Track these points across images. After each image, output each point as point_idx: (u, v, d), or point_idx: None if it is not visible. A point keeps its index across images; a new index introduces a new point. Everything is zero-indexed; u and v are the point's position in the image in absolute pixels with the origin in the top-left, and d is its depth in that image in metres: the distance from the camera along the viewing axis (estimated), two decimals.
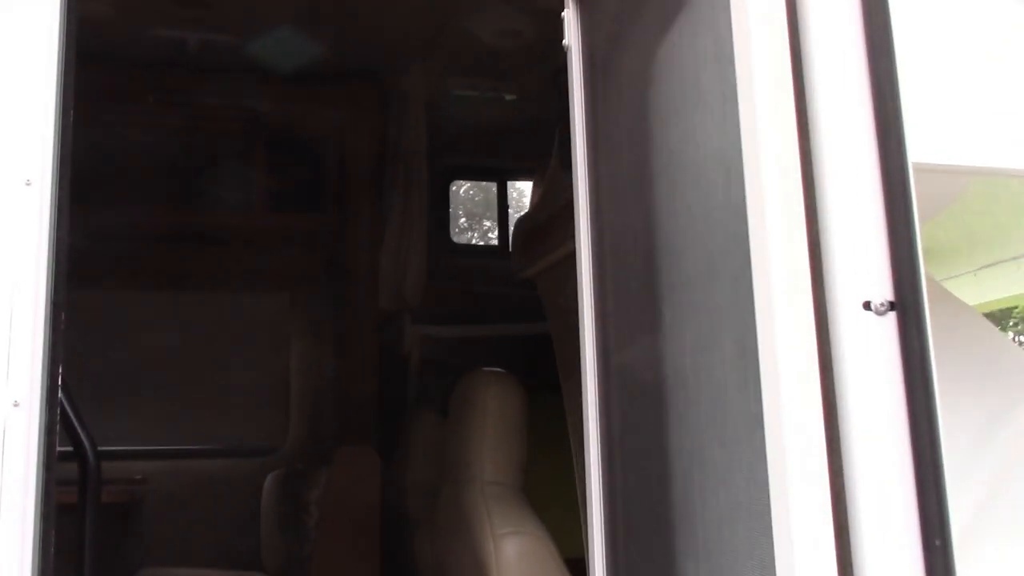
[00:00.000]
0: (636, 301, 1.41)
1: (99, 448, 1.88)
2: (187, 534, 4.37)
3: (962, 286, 2.95)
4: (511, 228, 5.07)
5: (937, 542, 1.05)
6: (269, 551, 4.07)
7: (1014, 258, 2.75)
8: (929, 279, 1.16)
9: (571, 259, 2.29)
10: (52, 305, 1.28)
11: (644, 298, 1.39)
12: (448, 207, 4.95)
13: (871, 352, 1.07)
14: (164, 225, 4.33)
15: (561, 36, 1.89)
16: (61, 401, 1.26)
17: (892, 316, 1.08)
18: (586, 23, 1.55)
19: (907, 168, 1.09)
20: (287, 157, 4.33)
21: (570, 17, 1.57)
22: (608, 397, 1.47)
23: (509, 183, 5.11)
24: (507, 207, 5.10)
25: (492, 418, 2.43)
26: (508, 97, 4.64)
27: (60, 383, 1.29)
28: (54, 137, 1.31)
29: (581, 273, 1.53)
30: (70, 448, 1.79)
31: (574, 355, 2.30)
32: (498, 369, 2.56)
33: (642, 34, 1.39)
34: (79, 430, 1.68)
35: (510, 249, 2.58)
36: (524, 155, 5.01)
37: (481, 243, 5.10)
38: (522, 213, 2.55)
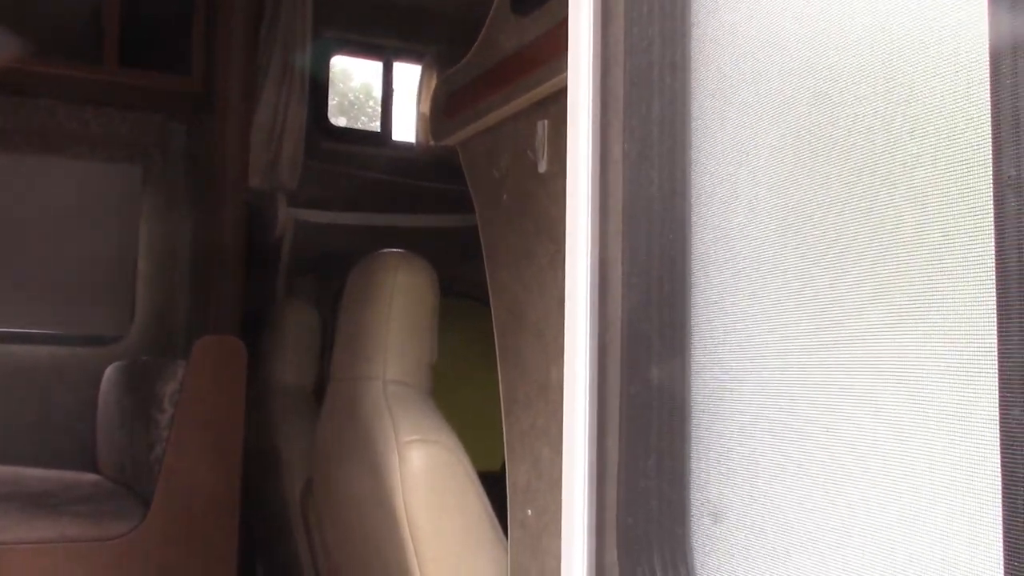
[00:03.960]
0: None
1: None
2: (9, 429, 3.86)
3: None
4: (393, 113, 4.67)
5: None
6: (107, 451, 3.61)
7: None
8: None
9: (512, 122, 1.94)
10: None
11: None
12: (327, 84, 4.46)
13: None
14: None
15: None
16: None
17: None
18: None
19: None
20: (145, 4, 3.75)
21: None
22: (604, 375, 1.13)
23: (396, 64, 4.65)
24: (392, 91, 4.65)
25: (399, 306, 2.07)
26: None
27: None
28: None
29: (577, 218, 1.17)
30: None
31: (506, 239, 1.96)
32: (403, 251, 2.19)
33: None
34: None
35: (429, 113, 2.19)
36: (414, 36, 4.58)
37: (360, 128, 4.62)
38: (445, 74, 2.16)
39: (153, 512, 2.78)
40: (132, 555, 2.76)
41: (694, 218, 1.09)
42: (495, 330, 1.98)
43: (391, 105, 4.61)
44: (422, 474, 1.91)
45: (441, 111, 2.14)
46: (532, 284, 1.84)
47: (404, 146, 4.57)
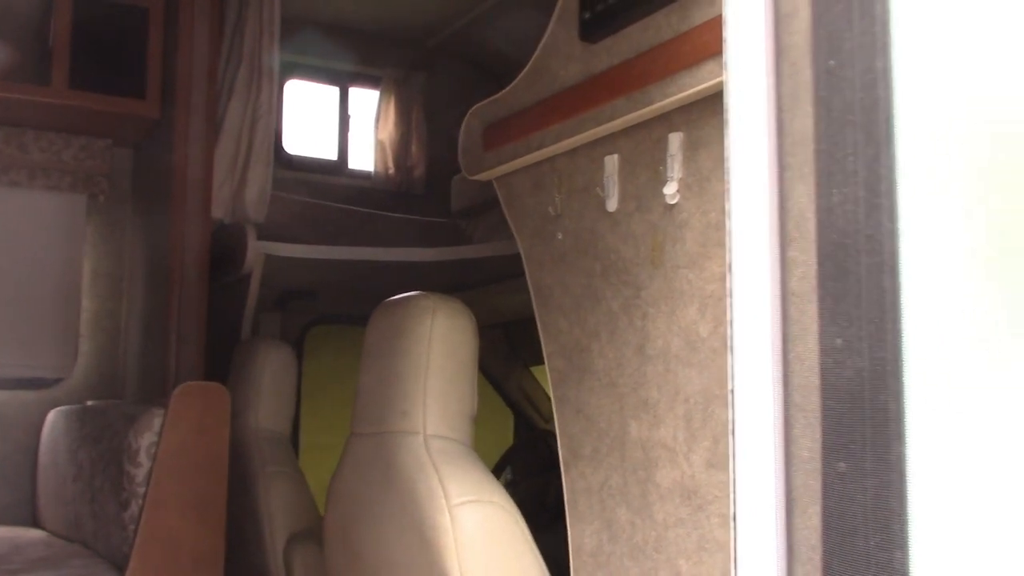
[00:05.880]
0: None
1: None
2: None
3: None
4: (351, 140, 4.48)
5: None
6: (54, 505, 3.32)
7: None
8: None
9: (569, 156, 1.81)
10: None
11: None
12: (282, 110, 4.27)
13: None
14: None
15: None
16: None
17: None
18: None
19: None
20: (97, 24, 3.50)
21: None
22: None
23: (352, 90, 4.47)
24: (348, 117, 4.48)
25: (438, 354, 1.91)
26: None
27: None
28: None
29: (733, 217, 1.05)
30: None
31: (562, 280, 1.82)
32: (439, 293, 2.03)
33: None
34: None
35: (460, 146, 2.04)
36: (373, 60, 4.43)
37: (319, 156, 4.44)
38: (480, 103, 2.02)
39: (131, 575, 2.53)
40: None
41: (907, 272, 0.98)
42: (550, 378, 1.85)
43: (348, 132, 4.43)
44: (478, 537, 1.75)
45: (477, 144, 2.00)
46: (599, 330, 1.71)
47: (361, 174, 4.40)
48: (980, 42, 0.97)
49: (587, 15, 1.68)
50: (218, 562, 2.64)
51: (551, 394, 1.83)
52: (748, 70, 1.09)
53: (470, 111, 2.05)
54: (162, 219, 3.46)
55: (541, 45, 1.83)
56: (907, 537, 0.95)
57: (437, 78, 4.38)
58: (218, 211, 3.41)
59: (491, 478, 1.85)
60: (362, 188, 4.36)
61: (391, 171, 4.39)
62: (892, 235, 0.98)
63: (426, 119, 4.40)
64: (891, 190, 0.98)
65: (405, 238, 3.66)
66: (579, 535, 1.74)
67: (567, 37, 1.75)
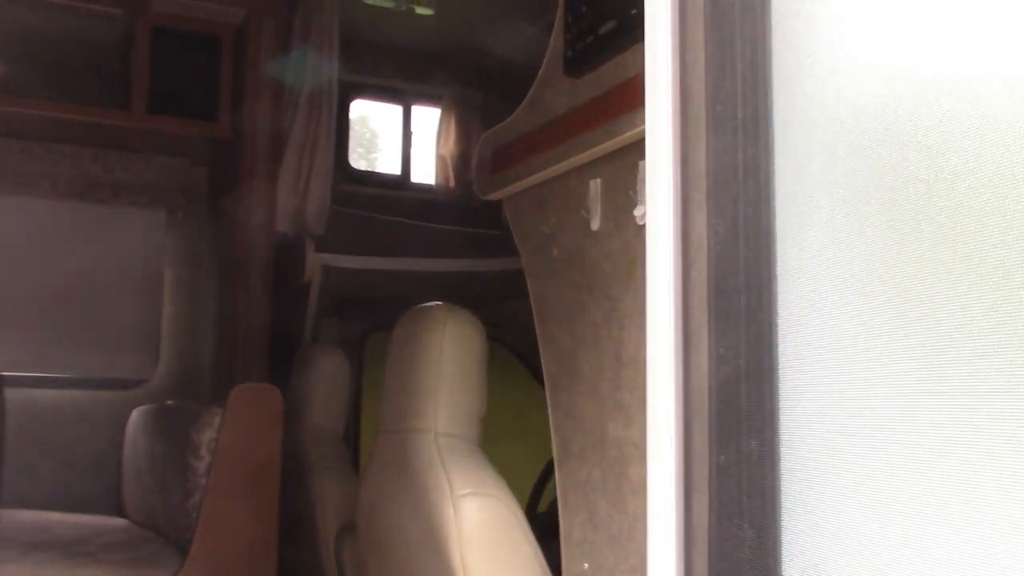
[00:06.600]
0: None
1: None
2: (34, 474, 3.87)
3: None
4: (413, 156, 4.72)
5: None
6: (135, 496, 3.62)
7: None
8: None
9: (562, 179, 1.98)
10: None
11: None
12: (348, 129, 4.52)
13: None
14: (22, 121, 3.74)
15: None
16: None
17: None
18: None
19: None
20: (173, 53, 3.80)
21: None
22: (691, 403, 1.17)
23: (415, 108, 4.71)
24: (411, 134, 4.71)
25: (449, 359, 2.10)
26: (421, 12, 4.25)
27: None
28: None
29: (657, 236, 1.21)
30: None
31: (556, 292, 1.99)
32: (451, 304, 2.22)
33: None
34: None
35: (475, 168, 2.23)
36: (433, 79, 4.65)
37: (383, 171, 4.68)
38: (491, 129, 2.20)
39: (191, 559, 2.79)
40: None
41: (781, 292, 1.12)
42: (546, 381, 2.01)
43: (411, 148, 4.66)
44: (478, 527, 1.93)
45: (487, 167, 2.18)
46: (586, 339, 1.88)
47: (424, 188, 4.62)
48: (847, 86, 1.10)
49: (569, 53, 1.85)
50: (271, 548, 2.88)
51: (547, 398, 2.00)
52: (661, 112, 1.25)
53: (482, 137, 2.24)
54: (232, 231, 3.74)
55: (537, 79, 2.00)
56: (776, 518, 1.10)
57: (494, 96, 4.57)
58: (281, 224, 3.67)
59: (493, 473, 2.03)
60: (424, 201, 4.58)
61: (452, 185, 4.61)
62: (768, 258, 1.12)
63: None
64: (767, 219, 1.12)
65: (457, 249, 3.87)
66: (569, 526, 1.91)
67: (556, 72, 1.92)
